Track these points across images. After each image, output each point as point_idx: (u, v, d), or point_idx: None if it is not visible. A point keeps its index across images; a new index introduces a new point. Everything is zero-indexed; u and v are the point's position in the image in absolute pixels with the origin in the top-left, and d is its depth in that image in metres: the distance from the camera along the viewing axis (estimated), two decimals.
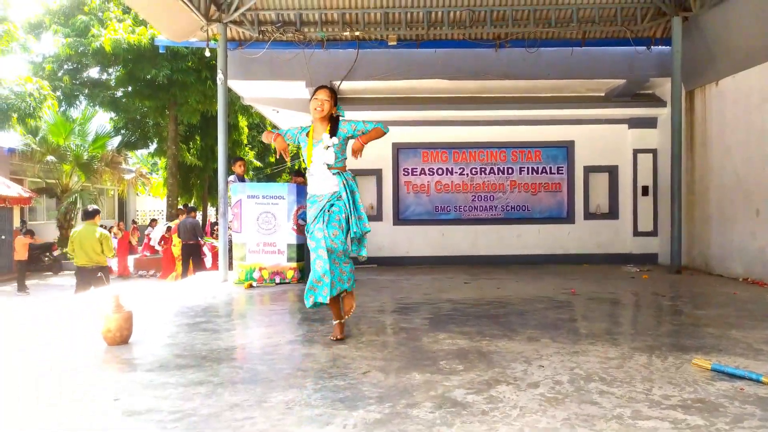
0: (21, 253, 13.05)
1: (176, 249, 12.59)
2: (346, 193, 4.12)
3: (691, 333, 4.35)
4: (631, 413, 2.62)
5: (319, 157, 4.10)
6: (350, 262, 4.20)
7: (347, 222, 4.11)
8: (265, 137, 4.33)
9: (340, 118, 4.23)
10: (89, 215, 8.37)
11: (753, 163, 7.55)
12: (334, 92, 4.24)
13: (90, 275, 8.09)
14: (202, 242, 12.44)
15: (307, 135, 4.19)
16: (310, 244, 4.15)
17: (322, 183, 4.16)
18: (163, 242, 14.00)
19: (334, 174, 4.13)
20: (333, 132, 4.14)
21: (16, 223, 16.15)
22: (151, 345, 4.15)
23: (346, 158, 4.23)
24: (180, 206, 17.89)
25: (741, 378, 3.10)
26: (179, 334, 4.51)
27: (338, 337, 4.18)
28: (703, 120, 8.77)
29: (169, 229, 13.97)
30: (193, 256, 11.97)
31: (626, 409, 2.68)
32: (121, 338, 4.09)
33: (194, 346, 4.07)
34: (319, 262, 4.01)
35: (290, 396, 2.93)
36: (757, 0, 7.26)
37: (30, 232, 14.00)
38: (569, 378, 3.17)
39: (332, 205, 4.12)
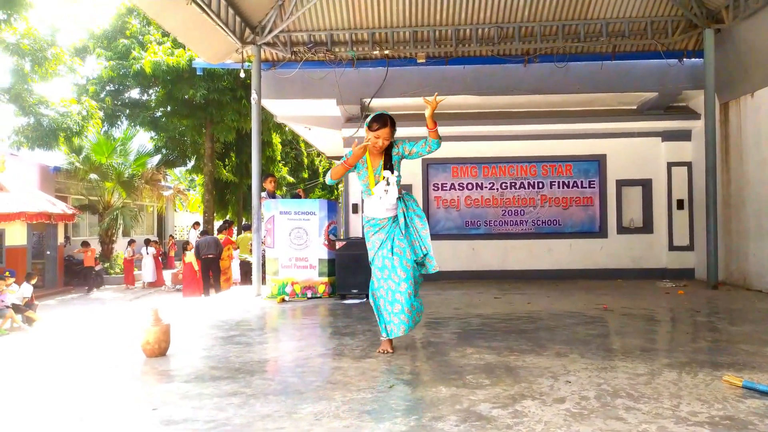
0: (92, 260, 16.13)
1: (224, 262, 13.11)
2: (404, 219, 4.22)
3: (724, 349, 4.28)
4: (656, 429, 2.62)
5: (381, 192, 4.13)
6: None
7: (411, 247, 4.19)
8: (337, 172, 4.18)
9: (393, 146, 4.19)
10: (247, 228, 13.66)
11: None
12: (394, 125, 4.12)
13: (246, 265, 12.63)
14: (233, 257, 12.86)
15: (364, 162, 4.16)
16: (377, 274, 4.23)
17: (382, 208, 4.20)
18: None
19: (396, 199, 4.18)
20: (388, 163, 4.13)
21: (61, 239, 16.78)
22: (188, 357, 4.31)
23: (400, 178, 4.25)
24: (217, 222, 18.48)
25: None
26: (214, 347, 4.67)
27: (388, 350, 4.26)
28: (738, 132, 8.62)
29: (188, 243, 14.44)
30: (212, 271, 12.24)
31: (652, 425, 2.68)
32: (159, 350, 4.26)
33: (228, 358, 4.21)
34: (398, 295, 4.12)
35: (319, 408, 3.02)
36: None
37: (86, 244, 15.74)
38: (596, 394, 3.18)
39: (394, 237, 4.20)
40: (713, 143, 8.41)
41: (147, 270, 16.66)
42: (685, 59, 9.32)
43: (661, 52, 9.22)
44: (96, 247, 18.83)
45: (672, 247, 10.06)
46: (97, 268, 16.84)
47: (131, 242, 17.87)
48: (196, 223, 20.07)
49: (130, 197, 19.40)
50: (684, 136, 10.06)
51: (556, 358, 4.06)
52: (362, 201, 4.40)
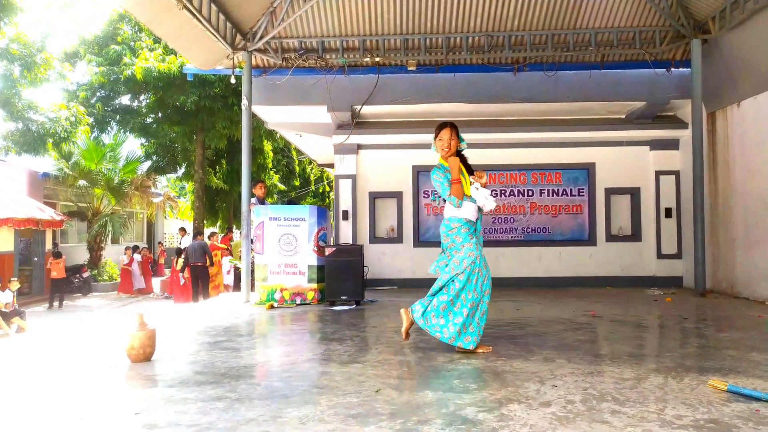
0: (62, 271, 14.45)
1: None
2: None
3: (710, 355, 4.30)
4: None
5: (484, 193, 4.40)
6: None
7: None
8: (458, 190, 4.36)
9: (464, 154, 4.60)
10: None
11: None
12: (455, 127, 4.50)
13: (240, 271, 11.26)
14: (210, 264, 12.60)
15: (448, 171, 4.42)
16: (475, 280, 4.24)
17: (473, 211, 4.40)
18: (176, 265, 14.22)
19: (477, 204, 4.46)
20: (468, 170, 4.47)
21: (49, 245, 16.61)
22: (173, 362, 4.27)
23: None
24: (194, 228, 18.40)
25: (757, 399, 3.07)
26: (200, 352, 4.63)
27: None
28: (725, 141, 8.71)
29: (181, 251, 14.24)
30: (200, 279, 12.15)
31: (637, 428, 2.68)
32: (144, 355, 4.22)
33: (214, 363, 4.17)
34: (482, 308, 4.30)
35: (304, 412, 3.00)
36: None
37: (58, 254, 14.55)
38: (582, 398, 3.18)
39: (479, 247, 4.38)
40: (700, 152, 8.49)
41: (135, 277, 16.54)
42: (672, 69, 9.43)
43: (649, 62, 9.32)
44: (84, 254, 18.65)
45: (660, 255, 10.12)
46: (85, 275, 16.67)
47: (128, 249, 17.65)
48: (182, 229, 19.94)
49: (120, 204, 19.23)
50: (672, 145, 10.15)
51: (544, 363, 4.06)
52: (445, 207, 4.48)
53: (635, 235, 10.28)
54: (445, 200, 4.48)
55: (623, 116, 10.34)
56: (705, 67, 8.61)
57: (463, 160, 4.53)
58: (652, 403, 3.06)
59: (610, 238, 10.29)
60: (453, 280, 4.28)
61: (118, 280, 18.13)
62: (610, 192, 10.33)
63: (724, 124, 8.74)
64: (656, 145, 10.19)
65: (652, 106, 9.75)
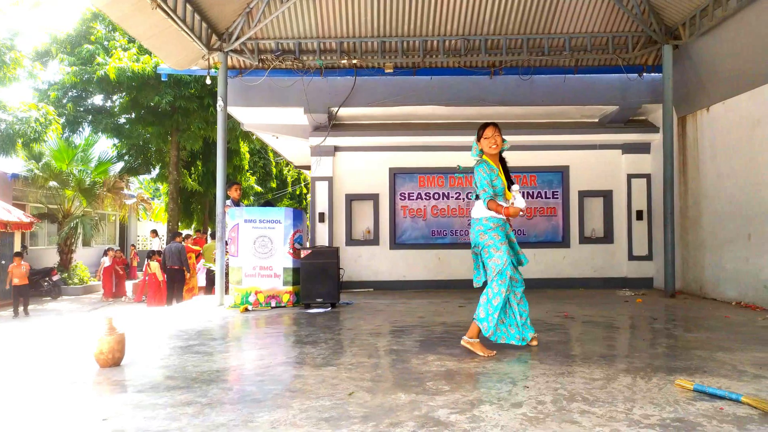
0: (24, 277, 13.12)
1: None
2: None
3: (678, 355, 4.39)
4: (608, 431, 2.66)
5: (517, 196, 4.46)
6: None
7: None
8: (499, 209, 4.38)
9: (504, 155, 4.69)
10: (213, 237, 12.56)
11: (745, 188, 7.64)
12: (497, 125, 4.56)
13: (212, 273, 11.35)
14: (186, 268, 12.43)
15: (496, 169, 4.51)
16: (505, 277, 4.36)
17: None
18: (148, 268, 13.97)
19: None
20: (506, 172, 4.56)
21: (17, 247, 16.21)
22: (143, 367, 4.20)
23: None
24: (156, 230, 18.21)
25: (721, 398, 3.14)
26: (171, 356, 4.56)
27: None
28: (695, 146, 8.90)
29: (153, 253, 13.99)
30: (176, 282, 11.97)
31: (605, 428, 2.72)
32: (113, 360, 4.14)
33: (185, 368, 4.11)
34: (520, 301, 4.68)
35: (276, 416, 2.97)
36: (745, 28, 7.45)
37: (19, 255, 13.54)
38: (552, 398, 3.21)
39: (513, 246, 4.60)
40: (671, 156, 8.66)
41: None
42: (644, 74, 9.60)
43: (621, 67, 9.48)
44: (54, 257, 18.26)
45: (631, 257, 10.29)
46: (55, 278, 16.31)
47: (109, 250, 17.24)
48: (153, 231, 19.64)
49: (91, 206, 18.86)
50: (643, 148, 10.34)
51: (516, 364, 4.09)
52: (476, 206, 4.56)
53: (607, 237, 10.44)
54: (477, 197, 4.52)
55: (597, 120, 10.50)
56: (676, 73, 8.79)
57: (503, 163, 4.66)
58: (620, 403, 3.11)
59: (584, 240, 10.44)
60: (493, 280, 4.41)
61: (89, 283, 17.80)
62: (583, 195, 10.47)
63: (694, 128, 8.93)
64: (628, 148, 10.37)
65: (625, 110, 9.91)
